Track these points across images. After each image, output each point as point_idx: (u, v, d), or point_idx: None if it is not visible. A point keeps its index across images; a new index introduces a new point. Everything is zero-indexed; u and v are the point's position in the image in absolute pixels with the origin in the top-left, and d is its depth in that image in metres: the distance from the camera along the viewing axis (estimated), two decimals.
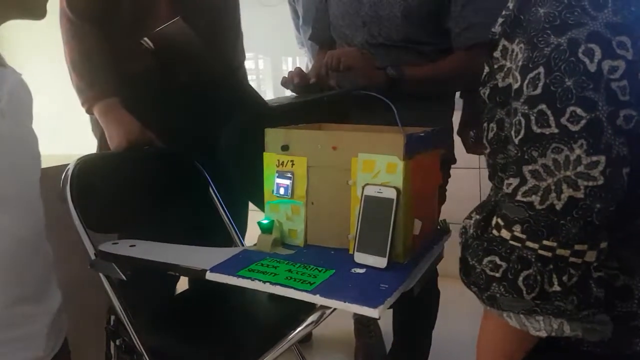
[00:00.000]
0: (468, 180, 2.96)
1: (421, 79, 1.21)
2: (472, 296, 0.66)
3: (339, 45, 1.37)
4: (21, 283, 0.78)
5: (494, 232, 0.62)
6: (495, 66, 0.72)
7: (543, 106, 0.59)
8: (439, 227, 1.07)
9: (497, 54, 0.71)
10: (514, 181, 0.60)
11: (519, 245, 0.59)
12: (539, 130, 0.59)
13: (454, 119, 1.38)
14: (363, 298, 0.73)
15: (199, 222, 1.34)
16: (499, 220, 0.62)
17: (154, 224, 1.26)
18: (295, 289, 0.77)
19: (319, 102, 1.20)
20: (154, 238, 1.08)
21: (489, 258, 0.62)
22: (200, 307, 1.25)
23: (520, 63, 0.63)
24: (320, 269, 0.84)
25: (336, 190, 0.92)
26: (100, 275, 1.08)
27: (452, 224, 1.09)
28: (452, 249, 1.22)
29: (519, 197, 0.60)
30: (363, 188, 0.87)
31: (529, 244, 0.59)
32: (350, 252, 0.89)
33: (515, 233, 0.60)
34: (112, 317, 1.14)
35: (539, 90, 0.59)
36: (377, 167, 0.87)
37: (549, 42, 0.60)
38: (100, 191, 1.12)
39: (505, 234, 0.61)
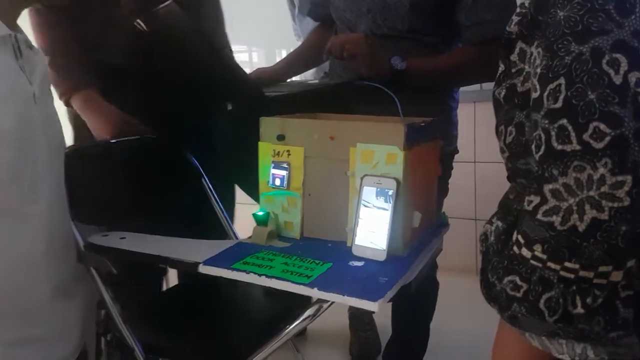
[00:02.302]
0: (463, 174, 2.95)
1: (427, 73, 1.17)
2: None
3: (340, 29, 1.34)
4: (59, 274, 0.77)
5: (515, 249, 0.59)
6: (514, 70, 0.68)
7: (564, 121, 0.55)
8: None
9: (514, 57, 0.67)
10: (535, 199, 0.57)
11: (540, 265, 0.56)
12: (559, 147, 0.55)
13: (459, 111, 1.35)
14: (362, 291, 0.71)
15: (191, 214, 1.31)
16: (520, 238, 0.59)
17: (145, 215, 1.23)
18: (292, 282, 0.74)
19: (319, 91, 1.17)
20: (145, 230, 1.05)
21: (509, 277, 0.59)
22: (192, 302, 1.23)
23: (539, 71, 0.60)
24: (317, 261, 0.81)
25: (334, 182, 0.89)
26: (90, 268, 1.06)
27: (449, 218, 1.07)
28: (451, 240, 1.20)
29: (539, 217, 0.56)
30: (362, 179, 0.85)
31: (551, 264, 0.56)
32: (349, 244, 0.87)
33: (536, 253, 0.57)
34: (102, 312, 1.11)
35: (559, 104, 0.56)
36: (376, 157, 0.84)
37: (570, 50, 0.56)
38: (89, 182, 1.09)
39: (525, 252, 0.58)
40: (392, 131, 0.83)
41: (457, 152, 1.37)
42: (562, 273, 0.55)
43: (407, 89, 1.06)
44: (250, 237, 0.92)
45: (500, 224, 0.70)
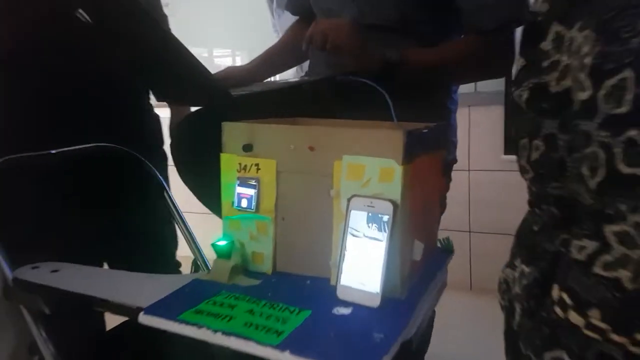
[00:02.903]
0: (456, 183, 2.80)
1: (425, 66, 0.99)
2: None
3: None
4: None
5: (558, 311, 0.43)
6: (545, 63, 0.51)
7: (634, 132, 0.39)
8: (439, 246, 0.87)
9: (546, 45, 0.51)
10: (590, 245, 0.42)
11: (599, 337, 0.41)
12: (628, 171, 0.40)
13: (458, 114, 1.18)
14: (351, 356, 0.53)
15: (149, 235, 1.13)
16: (565, 297, 0.43)
17: (90, 238, 1.04)
18: (256, 342, 0.56)
19: (294, 90, 0.99)
20: (90, 256, 0.86)
21: (552, 353, 0.43)
22: (141, 345, 1.03)
23: (588, 61, 0.43)
24: (292, 308, 0.63)
25: (314, 203, 0.71)
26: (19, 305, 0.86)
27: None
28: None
29: (597, 270, 0.41)
30: (349, 201, 0.67)
31: (615, 337, 0.40)
32: (332, 283, 0.69)
33: (593, 320, 0.41)
34: (36, 359, 0.92)
35: (625, 107, 0.40)
36: (368, 173, 0.67)
37: (638, 29, 0.40)
38: (17, 202, 0.90)
39: (575, 318, 0.42)
40: (388, 140, 0.65)
41: (456, 161, 1.21)
42: (633, 349, 0.39)
43: (400, 87, 0.89)
44: (209, 273, 0.73)
45: (526, 269, 0.53)
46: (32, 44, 0.99)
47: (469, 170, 2.44)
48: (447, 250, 0.86)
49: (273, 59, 1.29)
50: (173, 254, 1.30)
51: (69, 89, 1.00)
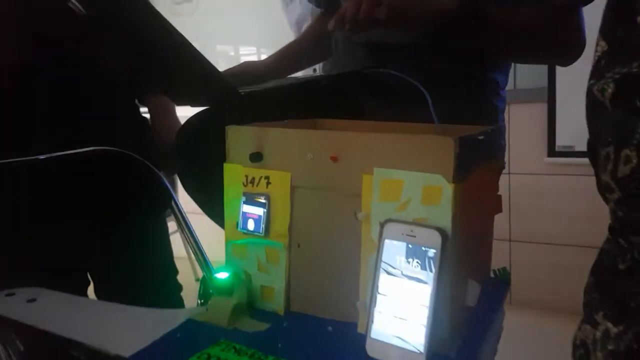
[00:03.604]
0: None
1: (503, 25, 0.80)
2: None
3: None
4: None
5: None
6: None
7: None
8: (493, 276, 0.71)
9: None
10: None
11: None
12: None
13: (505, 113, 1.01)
14: None
15: (150, 252, 1.00)
16: None
17: (84, 256, 0.92)
18: None
19: (311, 86, 0.84)
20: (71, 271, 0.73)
21: None
22: None
23: None
24: None
25: (337, 228, 0.56)
26: None
27: None
28: None
29: None
30: (382, 227, 0.51)
31: None
32: (360, 330, 0.54)
33: None
34: None
35: None
36: (407, 192, 0.51)
37: None
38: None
39: None
40: (434, 149, 0.50)
41: (504, 167, 1.04)
42: None
43: (438, 80, 0.73)
44: (206, 311, 0.59)
45: (614, 329, 0.42)
46: (21, 39, 0.87)
47: (509, 173, 2.25)
48: (504, 282, 0.69)
49: (294, 54, 1.15)
50: (172, 275, 1.16)
51: (59, 89, 0.88)
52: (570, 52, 0.86)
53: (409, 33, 0.88)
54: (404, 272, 0.50)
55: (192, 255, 1.12)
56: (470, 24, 0.78)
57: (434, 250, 0.49)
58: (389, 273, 0.51)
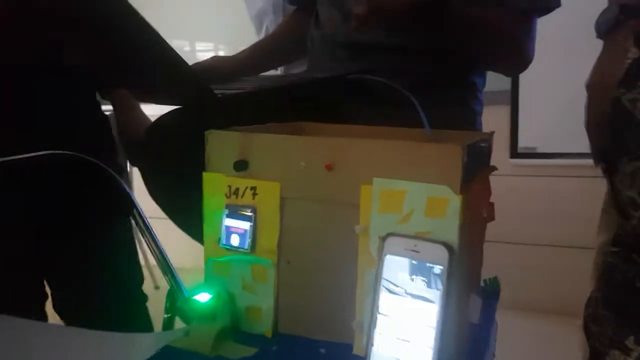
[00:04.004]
0: None
1: (466, 21, 0.80)
2: None
3: (323, 13, 0.97)
4: None
5: None
6: None
7: None
8: (482, 285, 0.68)
9: None
10: None
11: None
12: None
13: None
14: None
15: (112, 266, 0.93)
16: None
17: (30, 269, 0.84)
18: None
19: (293, 90, 0.79)
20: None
21: None
22: None
23: None
24: None
25: (331, 242, 0.52)
26: None
27: None
28: None
29: None
30: (383, 241, 0.48)
31: None
32: (357, 352, 0.50)
33: None
34: None
35: None
36: (409, 203, 0.48)
37: None
38: None
39: None
40: (439, 157, 0.46)
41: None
42: None
43: (417, 84, 0.70)
44: (187, 336, 0.53)
45: None
46: None
47: None
48: (494, 292, 0.67)
49: (266, 52, 1.10)
50: (137, 284, 1.09)
51: (10, 83, 0.80)
52: (522, 61, 0.87)
53: (392, 34, 0.85)
54: (408, 291, 0.46)
55: (150, 262, 1.05)
56: (442, 12, 0.76)
57: (440, 267, 0.45)
58: (390, 291, 0.47)
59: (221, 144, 0.54)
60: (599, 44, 0.79)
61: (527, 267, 2.14)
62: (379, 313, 0.47)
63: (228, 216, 0.54)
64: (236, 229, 0.54)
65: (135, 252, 1.06)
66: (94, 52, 0.77)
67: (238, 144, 0.54)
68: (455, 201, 0.46)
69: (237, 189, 0.54)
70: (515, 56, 0.87)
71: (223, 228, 0.55)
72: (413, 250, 0.47)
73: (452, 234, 0.46)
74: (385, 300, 0.47)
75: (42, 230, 0.89)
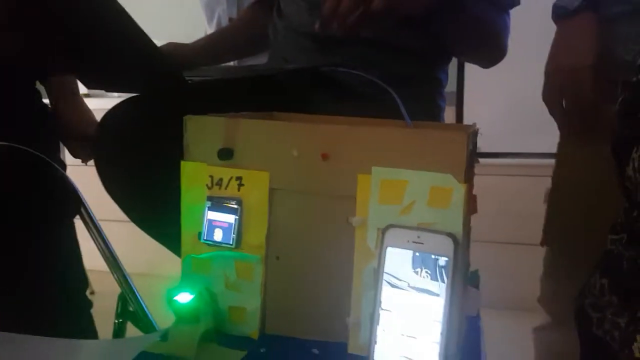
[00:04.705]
0: None
1: (467, 12, 0.79)
2: None
3: (287, 2, 0.93)
4: None
5: None
6: None
7: None
8: None
9: None
10: None
11: None
12: None
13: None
14: None
15: (57, 267, 0.85)
16: None
17: None
18: None
19: (268, 81, 0.76)
20: None
21: None
22: None
23: None
24: None
25: (324, 235, 0.49)
26: None
27: None
28: None
29: None
30: (384, 233, 0.45)
31: None
32: (352, 351, 0.47)
33: None
34: None
35: None
36: (411, 194, 0.46)
37: None
38: None
39: None
40: (442, 145, 0.45)
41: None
42: None
43: (385, 77, 0.69)
44: (167, 340, 0.48)
45: None
46: None
47: None
48: (474, 286, 0.67)
49: (225, 41, 1.05)
50: (80, 289, 1.01)
51: None
52: (500, 54, 0.89)
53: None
54: (411, 284, 0.44)
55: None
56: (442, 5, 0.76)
57: (445, 258, 0.44)
58: (393, 285, 0.45)
59: (202, 130, 0.50)
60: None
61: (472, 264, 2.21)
62: (382, 309, 0.45)
63: (211, 209, 0.50)
64: (220, 223, 0.50)
65: (78, 255, 0.97)
66: (41, 31, 0.70)
67: (222, 131, 0.49)
68: (459, 190, 0.44)
69: (221, 180, 0.50)
70: (497, 49, 0.88)
71: (205, 222, 0.50)
72: (416, 242, 0.45)
73: (457, 225, 0.44)
74: (387, 295, 0.45)
75: None
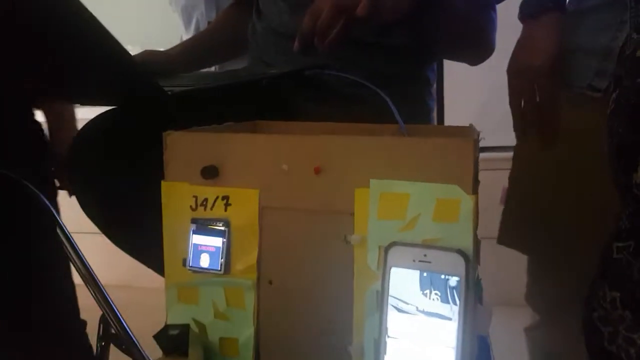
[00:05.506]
0: None
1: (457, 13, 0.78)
2: None
3: (266, 3, 0.89)
4: None
5: None
6: None
7: None
8: None
9: None
10: None
11: None
12: None
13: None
14: None
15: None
16: None
17: None
18: None
19: (251, 86, 0.72)
20: None
21: None
22: None
23: None
24: None
25: (321, 257, 0.45)
26: None
27: None
28: None
29: None
30: (386, 251, 0.41)
31: None
32: None
33: None
34: None
35: None
36: (414, 207, 0.42)
37: None
38: None
39: None
40: (447, 154, 0.41)
41: None
42: None
43: (373, 77, 0.66)
44: None
45: None
46: None
47: None
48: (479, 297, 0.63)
49: (203, 47, 1.00)
50: (72, 309, 0.95)
51: None
52: (487, 52, 0.87)
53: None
54: (420, 308, 0.40)
55: None
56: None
57: (456, 278, 0.40)
58: (399, 310, 0.41)
59: (184, 147, 0.46)
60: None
61: None
62: (388, 336, 0.41)
63: (195, 232, 0.45)
64: (206, 247, 0.45)
65: (68, 272, 0.92)
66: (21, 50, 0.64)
67: (205, 147, 0.45)
68: (468, 202, 0.41)
69: (206, 200, 0.45)
70: (484, 45, 0.87)
71: (190, 247, 0.46)
72: (423, 261, 0.41)
73: (467, 240, 0.41)
74: (393, 320, 0.41)
75: None
